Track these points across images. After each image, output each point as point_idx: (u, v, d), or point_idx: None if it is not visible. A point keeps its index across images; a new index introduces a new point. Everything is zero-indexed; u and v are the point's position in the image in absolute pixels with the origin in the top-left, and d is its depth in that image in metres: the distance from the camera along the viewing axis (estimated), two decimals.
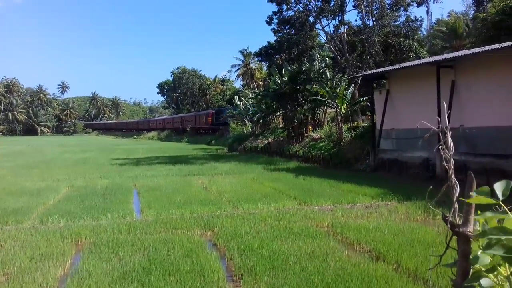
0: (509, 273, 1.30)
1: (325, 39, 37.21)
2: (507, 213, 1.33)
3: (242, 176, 20.38)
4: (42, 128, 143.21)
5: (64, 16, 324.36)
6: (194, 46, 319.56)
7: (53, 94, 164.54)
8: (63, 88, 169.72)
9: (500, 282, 1.34)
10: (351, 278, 6.44)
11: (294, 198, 13.84)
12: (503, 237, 1.28)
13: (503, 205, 1.36)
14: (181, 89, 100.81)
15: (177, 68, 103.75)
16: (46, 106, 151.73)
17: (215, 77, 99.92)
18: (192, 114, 74.68)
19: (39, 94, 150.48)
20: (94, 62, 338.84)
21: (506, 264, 1.32)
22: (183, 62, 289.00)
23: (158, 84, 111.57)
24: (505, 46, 14.90)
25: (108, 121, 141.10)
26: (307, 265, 7.14)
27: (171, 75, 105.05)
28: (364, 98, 28.47)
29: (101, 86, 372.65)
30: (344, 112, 27.27)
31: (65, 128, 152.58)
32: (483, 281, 1.33)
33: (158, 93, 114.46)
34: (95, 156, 37.31)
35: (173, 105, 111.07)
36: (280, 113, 38.48)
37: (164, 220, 10.99)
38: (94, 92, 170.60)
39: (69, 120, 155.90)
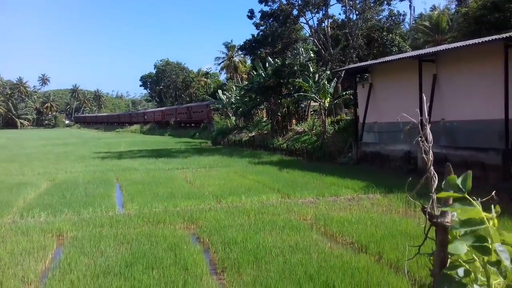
0: (485, 261, 1.32)
1: (309, 32, 37.24)
2: (474, 205, 1.35)
3: (226, 169, 20.37)
4: (22, 121, 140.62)
5: (45, 8, 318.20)
6: (177, 39, 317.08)
7: (34, 86, 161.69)
8: (44, 80, 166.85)
9: (475, 270, 1.37)
10: (333, 270, 6.50)
11: (277, 191, 13.89)
12: (472, 228, 1.31)
13: (468, 197, 1.38)
14: (164, 82, 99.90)
15: (160, 61, 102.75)
16: (26, 99, 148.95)
17: (199, 70, 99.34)
18: (197, 104, 68.13)
19: (19, 87, 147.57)
20: (75, 54, 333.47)
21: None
22: (166, 55, 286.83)
23: (141, 77, 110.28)
24: (485, 40, 15.13)
25: (100, 114, 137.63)
26: (290, 258, 7.18)
27: (154, 68, 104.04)
28: (347, 92, 28.65)
29: (82, 79, 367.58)
30: (327, 105, 27.40)
31: (46, 121, 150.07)
32: (460, 270, 1.36)
33: (141, 85, 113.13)
34: (76, 149, 36.83)
35: (156, 98, 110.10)
36: (264, 107, 38.50)
37: (147, 213, 10.93)
38: (76, 85, 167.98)
39: (50, 113, 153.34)
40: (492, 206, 1.45)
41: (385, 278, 6.16)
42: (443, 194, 1.41)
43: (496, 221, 1.43)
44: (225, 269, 6.94)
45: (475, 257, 1.35)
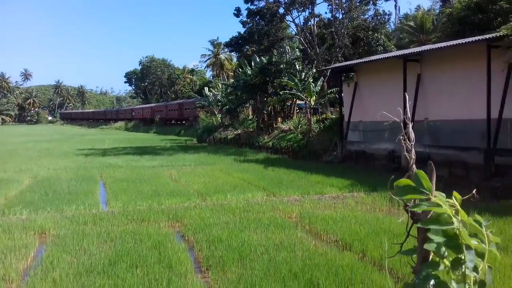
0: (458, 257, 1.35)
1: (295, 31, 37.32)
2: (440, 205, 1.37)
3: (211, 167, 20.32)
4: (3, 117, 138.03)
5: (27, 2, 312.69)
6: (163, 35, 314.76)
7: (16, 82, 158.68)
8: (26, 76, 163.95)
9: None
10: (318, 267, 6.54)
11: (263, 189, 13.91)
12: (442, 227, 1.34)
13: (431, 196, 1.40)
14: (150, 78, 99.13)
15: (145, 57, 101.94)
16: (9, 94, 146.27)
17: (184, 66, 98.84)
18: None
19: (0, 82, 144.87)
20: (59, 50, 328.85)
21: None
22: (151, 51, 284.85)
23: (126, 73, 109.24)
24: (469, 41, 15.34)
25: (86, 110, 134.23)
26: (275, 256, 7.20)
27: (139, 64, 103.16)
28: (333, 91, 28.79)
29: (66, 75, 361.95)
30: (313, 104, 27.51)
31: (28, 118, 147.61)
32: (442, 267, 1.38)
33: (125, 82, 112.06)
34: (59, 146, 36.35)
35: (141, 95, 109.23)
36: (249, 105, 38.47)
37: (131, 211, 10.85)
38: (59, 81, 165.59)
39: (33, 109, 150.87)
40: (454, 197, 1.47)
41: (368, 275, 6.21)
42: (408, 196, 1.43)
43: (461, 211, 1.45)
44: (210, 267, 6.93)
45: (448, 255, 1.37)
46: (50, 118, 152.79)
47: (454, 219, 1.39)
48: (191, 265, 7.01)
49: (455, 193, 1.48)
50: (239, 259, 7.09)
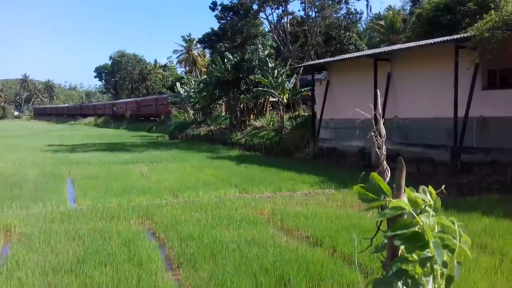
0: (425, 253, 1.37)
1: (269, 28, 37.37)
2: (403, 208, 1.39)
3: (183, 164, 20.16)
4: None
5: None
6: (134, 30, 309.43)
7: None
8: None
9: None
10: (289, 263, 6.58)
11: (235, 186, 13.89)
12: (406, 231, 1.37)
13: (389, 199, 1.42)
14: (120, 73, 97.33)
15: (116, 52, 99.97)
16: None
17: (155, 61, 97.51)
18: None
19: None
20: (25, 43, 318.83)
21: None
22: (122, 46, 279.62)
23: (96, 68, 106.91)
24: (437, 41, 15.72)
25: (60, 106, 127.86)
26: (246, 252, 7.20)
27: (109, 59, 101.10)
28: (305, 88, 29.00)
29: (33, 69, 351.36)
30: (285, 101, 27.63)
31: None
32: (412, 263, 1.40)
33: (95, 77, 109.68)
34: (27, 142, 35.33)
35: (111, 90, 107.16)
36: (222, 101, 38.33)
37: (100, 209, 10.64)
38: (25, 75, 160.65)
39: None
40: (429, 192, 1.49)
41: (338, 271, 6.29)
42: (372, 205, 1.45)
43: (436, 201, 1.48)
44: (181, 264, 6.87)
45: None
46: (16, 113, 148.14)
47: (421, 217, 1.41)
48: (162, 263, 6.93)
49: (430, 188, 1.50)
50: (211, 256, 7.06)
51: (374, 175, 1.48)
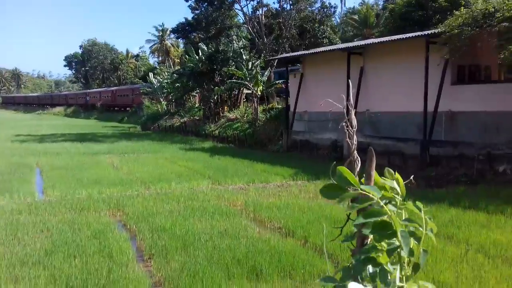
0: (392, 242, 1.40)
1: (244, 19, 37.18)
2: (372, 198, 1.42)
3: (155, 155, 19.94)
4: None
5: None
6: (105, 18, 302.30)
7: None
8: None
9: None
10: (261, 254, 6.61)
11: (208, 178, 13.85)
12: (373, 219, 1.39)
13: (360, 189, 1.44)
14: (91, 63, 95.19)
15: (87, 41, 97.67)
16: None
17: (127, 51, 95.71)
18: None
19: None
20: None
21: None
22: (93, 34, 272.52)
23: (66, 57, 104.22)
24: (409, 36, 15.98)
25: (30, 95, 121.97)
26: (219, 243, 7.21)
27: (80, 48, 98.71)
28: (280, 81, 29.06)
29: None
30: (259, 93, 27.64)
31: None
32: (380, 251, 1.43)
33: (65, 66, 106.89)
34: None
35: (81, 80, 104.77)
36: (196, 93, 38.01)
37: (69, 200, 10.45)
38: None
39: None
40: (396, 179, 1.52)
41: (310, 261, 6.37)
42: (341, 197, 1.47)
43: (402, 187, 1.50)
44: (153, 256, 6.82)
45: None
46: None
47: (388, 206, 1.43)
48: (133, 254, 6.86)
49: (397, 175, 1.52)
50: (183, 247, 7.03)
51: (342, 168, 1.49)
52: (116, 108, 65.76)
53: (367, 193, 1.41)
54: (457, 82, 15.32)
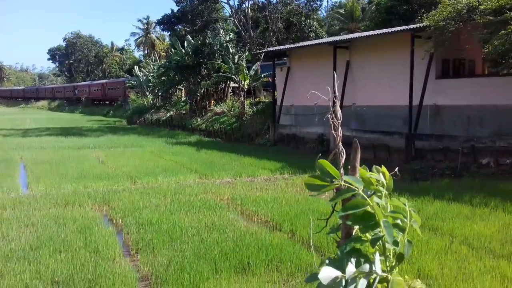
0: (376, 232, 1.42)
1: (230, 12, 36.97)
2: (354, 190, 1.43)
3: (141, 149, 19.81)
4: None
5: None
6: (89, 10, 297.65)
7: None
8: None
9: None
10: (248, 247, 6.63)
11: (195, 172, 13.81)
12: (356, 211, 1.40)
13: (337, 181, 1.46)
14: (75, 56, 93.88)
15: (70, 33, 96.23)
16: None
17: (112, 44, 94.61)
18: None
19: None
20: None
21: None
22: (77, 27, 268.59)
23: (49, 50, 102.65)
24: (394, 30, 16.08)
25: (15, 88, 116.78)
26: (206, 237, 7.20)
27: (63, 41, 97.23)
28: (266, 74, 29.02)
29: None
30: (246, 87, 27.59)
31: None
32: (365, 242, 1.44)
33: (49, 59, 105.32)
34: None
35: (65, 73, 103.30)
36: (182, 86, 37.79)
37: (54, 195, 10.33)
38: None
39: None
40: (382, 172, 1.54)
41: (297, 254, 6.40)
42: (322, 190, 1.48)
43: (389, 180, 1.52)
44: (139, 250, 6.79)
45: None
46: None
47: (373, 198, 1.44)
48: (119, 249, 6.82)
49: (383, 168, 1.54)
50: (170, 241, 7.01)
51: (323, 161, 1.50)
52: (107, 102, 63.96)
53: (349, 184, 1.42)
54: (441, 76, 15.47)
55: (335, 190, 1.48)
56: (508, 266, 5.93)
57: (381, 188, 1.49)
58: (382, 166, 1.57)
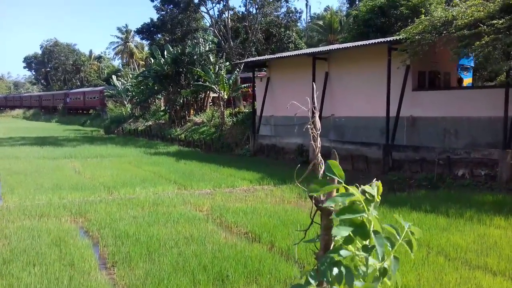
0: (366, 243, 1.41)
1: (210, 22, 37.07)
2: (354, 194, 1.43)
3: (119, 159, 19.53)
4: None
5: None
6: (67, 18, 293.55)
7: None
8: None
9: (357, 252, 1.45)
10: (227, 259, 6.57)
11: (174, 183, 13.67)
12: (352, 216, 1.40)
13: (344, 185, 1.46)
14: (52, 63, 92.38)
15: (47, 41, 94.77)
16: None
17: (90, 52, 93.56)
18: None
19: None
20: None
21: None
22: (54, 34, 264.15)
23: (25, 57, 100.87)
24: (372, 42, 16.35)
25: None
26: (184, 249, 7.11)
27: (40, 48, 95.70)
28: (246, 85, 29.09)
29: None
30: (226, 97, 27.59)
31: None
32: (343, 252, 1.43)
33: (25, 67, 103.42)
34: None
35: (42, 81, 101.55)
36: (162, 95, 37.57)
37: (28, 206, 10.08)
38: None
39: None
40: (376, 186, 1.54)
41: (276, 266, 6.37)
42: (326, 188, 1.47)
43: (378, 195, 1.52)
44: (116, 263, 6.65)
45: (358, 242, 1.43)
46: None
47: (368, 207, 1.44)
48: (95, 262, 6.68)
49: (377, 183, 1.54)
50: (147, 254, 6.90)
51: (332, 162, 1.49)
52: (84, 112, 61.78)
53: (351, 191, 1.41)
54: (418, 88, 15.79)
55: (313, 202, 1.48)
56: (484, 277, 6.02)
57: (369, 199, 1.50)
58: (379, 181, 1.57)
